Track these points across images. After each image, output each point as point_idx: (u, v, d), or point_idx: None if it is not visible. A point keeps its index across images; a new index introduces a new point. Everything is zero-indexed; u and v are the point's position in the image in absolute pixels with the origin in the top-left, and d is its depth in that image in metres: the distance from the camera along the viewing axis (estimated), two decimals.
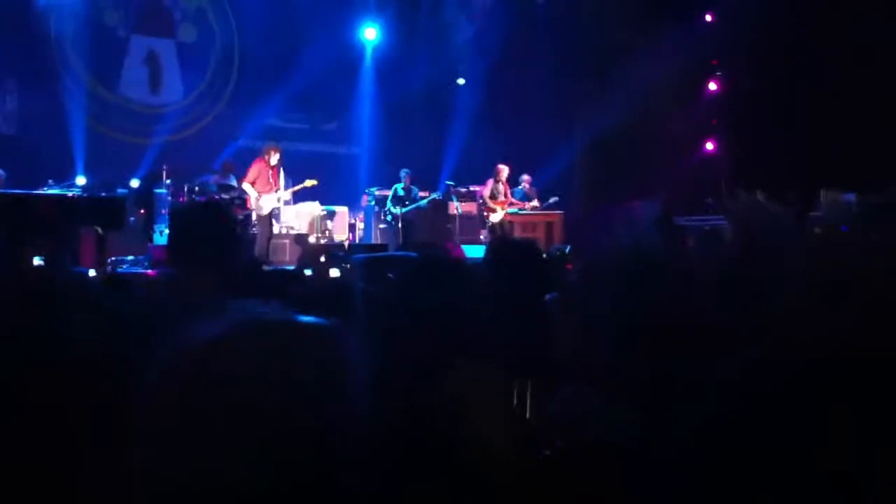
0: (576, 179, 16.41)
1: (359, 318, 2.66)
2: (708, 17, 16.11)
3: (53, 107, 13.84)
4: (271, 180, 12.37)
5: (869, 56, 12.87)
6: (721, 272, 2.28)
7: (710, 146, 16.40)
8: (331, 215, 14.43)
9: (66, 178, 12.23)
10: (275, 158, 12.41)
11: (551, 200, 14.17)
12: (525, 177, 14.62)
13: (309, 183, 12.84)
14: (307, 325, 1.12)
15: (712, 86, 16.52)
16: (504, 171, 13.98)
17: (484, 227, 14.88)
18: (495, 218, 13.85)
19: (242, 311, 1.13)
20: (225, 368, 1.04)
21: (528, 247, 3.16)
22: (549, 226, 14.02)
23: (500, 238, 10.62)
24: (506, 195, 13.97)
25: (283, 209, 13.37)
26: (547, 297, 2.68)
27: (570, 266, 7.73)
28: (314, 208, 14.14)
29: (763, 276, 2.13)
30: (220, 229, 2.60)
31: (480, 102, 16.51)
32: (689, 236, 12.72)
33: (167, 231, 11.07)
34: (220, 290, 2.53)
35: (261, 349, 1.06)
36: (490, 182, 13.99)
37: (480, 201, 14.41)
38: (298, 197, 13.63)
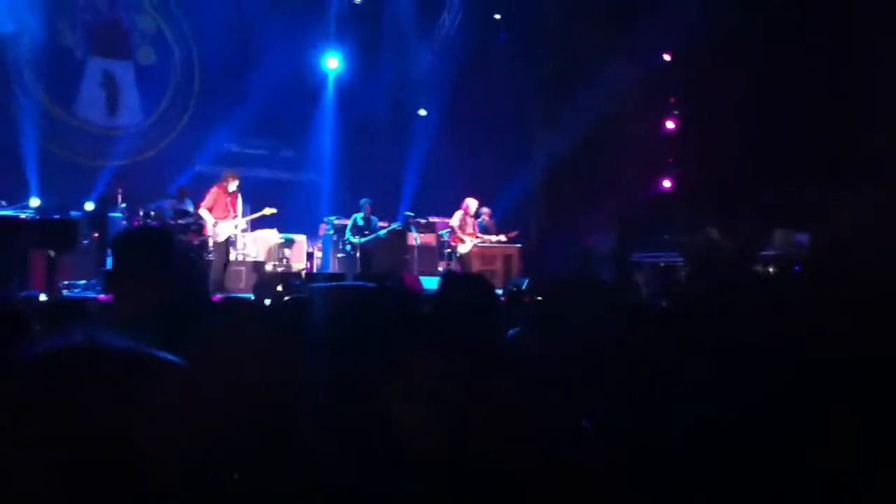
0: (533, 212, 16.53)
1: (305, 342, 2.63)
2: (666, 57, 16.34)
3: (7, 127, 13.65)
4: (229, 207, 12.27)
5: (823, 91, 13.13)
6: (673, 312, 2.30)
7: (666, 183, 16.59)
8: (289, 243, 14.36)
9: (19, 200, 12.03)
10: (233, 185, 12.31)
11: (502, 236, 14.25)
12: (485, 209, 14.74)
13: (268, 211, 12.79)
14: (118, 352, 1.09)
15: (669, 123, 16.74)
16: (473, 203, 14.07)
17: (442, 259, 14.91)
18: (463, 249, 13.93)
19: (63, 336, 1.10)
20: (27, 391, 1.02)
21: (478, 281, 3.16)
22: (508, 258, 14.10)
23: (450, 273, 10.66)
24: (473, 227, 14.04)
25: (240, 236, 13.27)
26: (509, 332, 2.68)
27: (526, 299, 7.76)
28: (272, 236, 14.07)
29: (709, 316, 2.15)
30: (159, 256, 2.55)
31: (440, 132, 16.60)
32: (641, 272, 12.89)
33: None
34: (158, 318, 2.49)
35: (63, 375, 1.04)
36: (459, 213, 14.05)
37: (447, 231, 14.47)
38: (256, 224, 13.54)
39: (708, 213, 13.67)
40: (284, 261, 14.08)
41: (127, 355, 1.10)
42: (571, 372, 1.95)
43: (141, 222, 12.32)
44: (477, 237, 13.99)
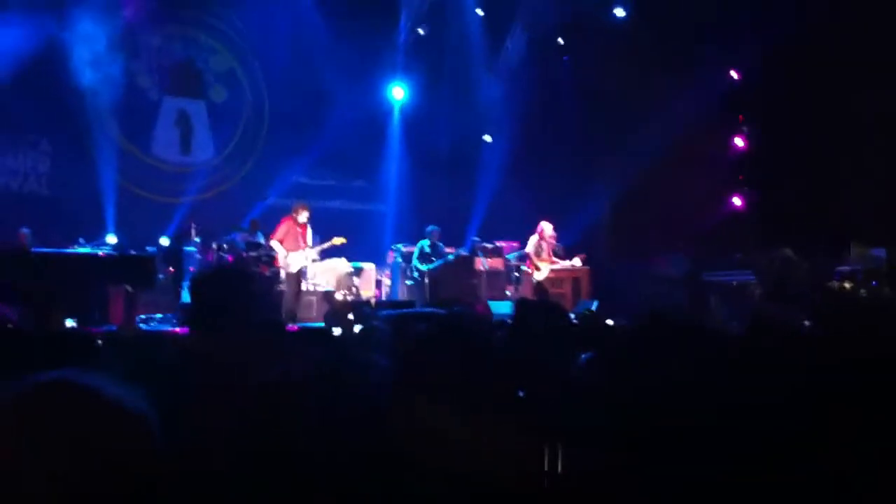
0: (601, 234, 16.40)
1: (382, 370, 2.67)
2: (734, 74, 16.13)
3: (85, 167, 14.07)
4: (300, 238, 12.45)
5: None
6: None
7: (737, 202, 16.32)
8: (358, 272, 14.47)
9: (96, 237, 12.38)
10: (303, 216, 12.50)
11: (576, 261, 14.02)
12: (551, 233, 14.64)
13: (337, 241, 12.92)
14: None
15: (739, 142, 16.49)
16: (548, 227, 13.85)
17: (510, 283, 14.86)
18: (539, 276, 13.68)
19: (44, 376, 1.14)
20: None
21: (553, 309, 3.16)
22: (576, 281, 13.95)
23: (524, 300, 10.54)
24: (549, 252, 13.83)
25: (310, 266, 13.42)
26: (582, 357, 2.67)
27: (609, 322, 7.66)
28: (341, 265, 14.20)
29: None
30: (238, 295, 2.63)
31: (506, 158, 16.62)
32: (714, 294, 12.68)
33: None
34: (238, 351, 2.56)
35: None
36: (534, 238, 13.84)
37: (514, 255, 14.38)
38: (326, 254, 13.69)
39: (781, 231, 13.44)
40: (354, 289, 14.19)
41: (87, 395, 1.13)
42: (648, 401, 1.95)
43: (215, 256, 12.56)
44: (554, 262, 13.76)
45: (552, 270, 13.81)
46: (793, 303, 10.90)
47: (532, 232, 14.19)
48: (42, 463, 1.04)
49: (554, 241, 14.50)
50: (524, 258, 14.11)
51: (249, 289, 2.91)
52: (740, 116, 16.51)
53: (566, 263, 13.79)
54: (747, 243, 14.29)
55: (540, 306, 3.29)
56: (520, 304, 3.16)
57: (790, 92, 14.16)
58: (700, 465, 1.79)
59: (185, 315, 11.09)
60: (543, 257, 13.74)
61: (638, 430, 1.94)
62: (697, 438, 1.75)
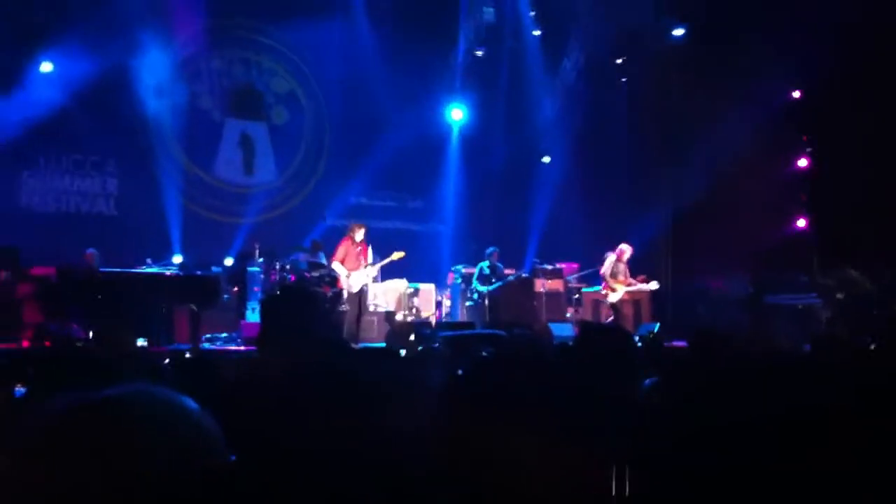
0: (661, 255, 16.22)
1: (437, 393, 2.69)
2: (796, 94, 15.90)
3: (151, 188, 14.42)
4: (360, 257, 12.53)
5: None
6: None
7: (801, 223, 16.03)
8: (417, 293, 14.52)
9: (163, 257, 12.63)
10: (359, 235, 12.54)
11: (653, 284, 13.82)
12: (610, 253, 14.53)
13: (396, 256, 12.91)
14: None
15: (802, 161, 16.21)
16: (628, 251, 13.68)
17: (570, 305, 14.78)
18: (614, 297, 13.53)
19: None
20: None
21: (617, 334, 3.16)
22: (637, 303, 13.82)
23: (587, 324, 10.39)
24: (625, 274, 13.64)
25: (371, 286, 13.46)
26: (647, 382, 2.67)
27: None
28: (401, 285, 14.26)
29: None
30: (306, 316, 2.68)
31: (564, 179, 16.59)
32: (777, 316, 12.46)
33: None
34: (303, 371, 2.60)
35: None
36: (611, 259, 13.70)
37: (576, 277, 14.27)
38: (386, 274, 13.76)
39: (845, 253, 13.18)
40: (414, 310, 14.25)
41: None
42: (711, 425, 1.94)
43: (278, 276, 12.72)
44: (630, 284, 13.56)
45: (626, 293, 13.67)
46: (859, 325, 10.69)
47: (593, 253, 14.11)
48: (114, 472, 1.05)
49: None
50: (600, 279, 13.89)
51: (316, 309, 2.96)
52: (804, 136, 16.24)
53: (643, 286, 13.62)
54: (811, 265, 14.04)
55: (603, 329, 3.28)
56: (583, 327, 3.16)
57: (855, 110, 13.91)
58: (761, 488, 1.78)
59: (252, 335, 11.28)
60: (620, 279, 13.57)
61: (700, 454, 1.93)
62: (759, 461, 1.74)
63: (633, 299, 13.79)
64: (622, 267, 13.63)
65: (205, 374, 4.11)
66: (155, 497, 1.05)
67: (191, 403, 1.18)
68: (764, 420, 1.80)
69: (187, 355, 7.35)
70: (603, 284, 13.75)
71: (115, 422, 1.08)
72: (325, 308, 11.80)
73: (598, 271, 14.19)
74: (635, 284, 13.55)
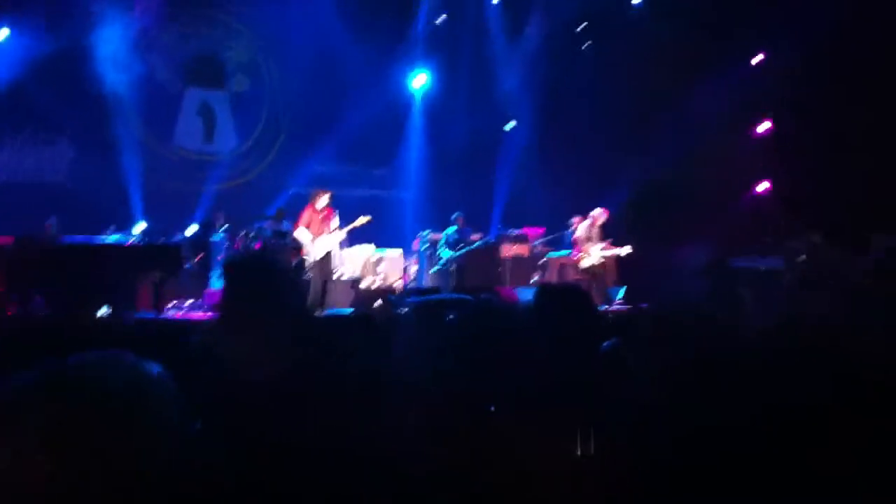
0: (625, 221, 16.30)
1: (410, 359, 2.69)
2: (758, 57, 15.98)
3: (109, 157, 14.29)
4: (324, 223, 12.46)
5: None
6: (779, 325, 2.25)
7: (762, 187, 16.18)
8: (384, 259, 14.50)
9: (126, 226, 12.52)
10: (322, 201, 12.43)
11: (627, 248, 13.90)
12: (575, 218, 14.57)
13: (362, 220, 12.79)
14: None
15: (765, 125, 16.33)
16: (602, 215, 13.65)
17: (535, 270, 14.83)
18: (589, 261, 13.51)
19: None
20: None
21: (575, 293, 3.15)
22: (604, 268, 13.91)
23: (545, 285, 10.37)
24: (600, 239, 13.59)
25: (336, 254, 13.40)
26: (605, 344, 2.67)
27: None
28: (368, 251, 14.23)
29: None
30: (272, 280, 2.65)
31: (529, 144, 16.61)
32: (741, 281, 12.57)
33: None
34: (271, 339, 2.58)
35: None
36: (585, 224, 13.67)
37: (542, 242, 14.28)
38: (353, 240, 13.70)
39: (807, 218, 13.32)
40: (381, 276, 14.23)
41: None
42: (671, 390, 1.95)
43: (241, 244, 12.65)
44: (611, 248, 13.52)
45: (574, 258, 13.76)
46: (822, 290, 10.83)
47: (558, 218, 14.14)
48: (84, 440, 1.03)
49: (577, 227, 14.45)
50: (571, 244, 13.89)
51: (284, 276, 2.93)
52: (765, 101, 16.34)
53: (617, 251, 13.59)
54: (775, 232, 14.18)
55: (562, 291, 3.27)
56: (540, 289, 3.14)
57: (816, 74, 14.01)
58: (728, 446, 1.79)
59: (215, 301, 11.23)
60: (595, 243, 13.57)
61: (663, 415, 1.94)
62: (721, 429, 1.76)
63: (601, 265, 13.89)
64: (596, 231, 13.65)
65: (169, 341, 4.08)
66: (127, 462, 1.04)
67: (156, 368, 1.16)
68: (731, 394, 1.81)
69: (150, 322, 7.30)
70: (575, 249, 13.77)
71: (80, 388, 1.06)
72: (291, 276, 11.74)
73: (565, 236, 14.24)
74: (610, 249, 13.59)
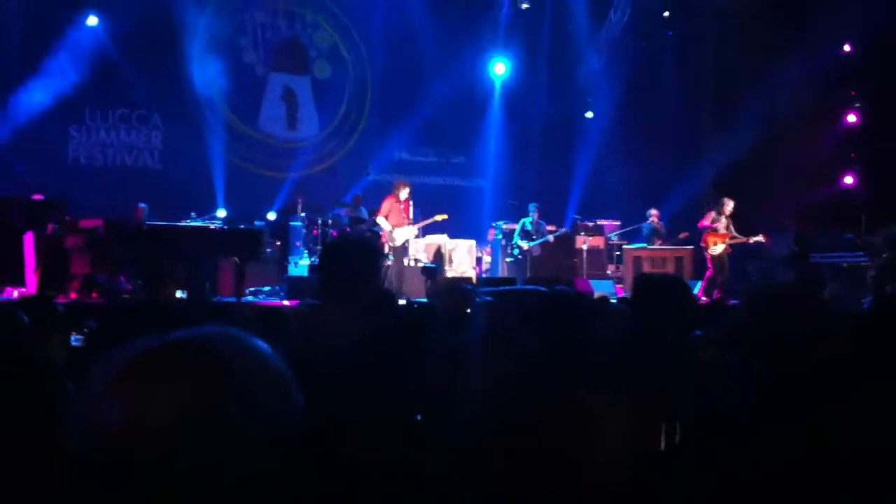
0: (705, 212, 16.06)
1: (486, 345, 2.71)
2: (846, 48, 15.54)
3: (196, 142, 14.52)
4: (403, 214, 12.61)
5: None
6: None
7: (848, 180, 15.75)
8: (459, 248, 14.52)
9: (207, 211, 12.75)
10: (404, 193, 12.65)
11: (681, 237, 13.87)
12: (653, 211, 14.42)
13: (439, 217, 12.99)
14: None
15: (851, 117, 15.88)
16: (730, 204, 13.24)
17: (611, 262, 14.72)
18: (716, 250, 13.11)
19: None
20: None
21: (674, 283, 3.14)
22: (679, 260, 13.75)
23: (646, 274, 10.12)
24: (728, 228, 13.22)
25: (412, 241, 13.53)
26: (696, 333, 2.66)
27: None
28: (442, 241, 14.28)
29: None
30: (369, 264, 2.71)
31: (607, 135, 16.43)
32: (822, 274, 12.28)
33: (316, 263, 11.41)
34: (360, 321, 2.63)
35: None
36: (712, 213, 13.32)
37: (617, 234, 14.14)
38: (427, 230, 13.79)
39: (894, 211, 12.94)
40: (455, 266, 14.26)
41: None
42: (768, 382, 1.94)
43: (320, 230, 12.81)
44: (733, 238, 13.13)
45: (651, 250, 13.80)
46: None
47: (634, 210, 14.02)
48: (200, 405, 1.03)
49: (657, 220, 14.30)
50: (702, 231, 13.44)
51: (377, 260, 2.99)
52: (852, 91, 15.89)
53: (742, 238, 13.17)
54: (858, 223, 13.82)
55: (661, 280, 3.25)
56: (639, 277, 3.13)
57: None
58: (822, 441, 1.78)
59: (296, 287, 11.42)
60: (722, 232, 13.30)
61: (758, 409, 1.93)
62: (823, 416, 1.74)
63: (675, 256, 13.75)
64: (724, 220, 13.29)
65: (255, 326, 4.18)
66: (243, 433, 1.05)
67: (266, 345, 1.18)
68: (829, 377, 1.79)
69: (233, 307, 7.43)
70: (703, 237, 13.24)
71: (203, 357, 1.08)
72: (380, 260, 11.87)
73: (642, 228, 14.18)
74: (738, 238, 13.23)
